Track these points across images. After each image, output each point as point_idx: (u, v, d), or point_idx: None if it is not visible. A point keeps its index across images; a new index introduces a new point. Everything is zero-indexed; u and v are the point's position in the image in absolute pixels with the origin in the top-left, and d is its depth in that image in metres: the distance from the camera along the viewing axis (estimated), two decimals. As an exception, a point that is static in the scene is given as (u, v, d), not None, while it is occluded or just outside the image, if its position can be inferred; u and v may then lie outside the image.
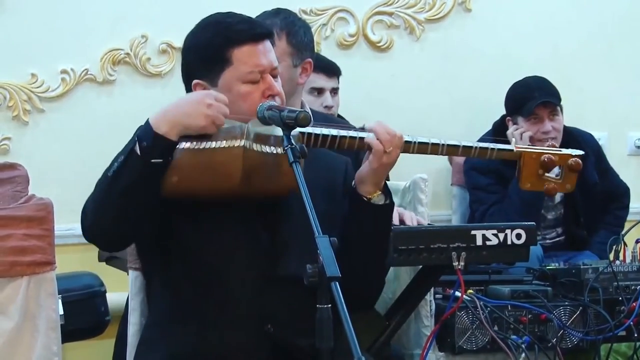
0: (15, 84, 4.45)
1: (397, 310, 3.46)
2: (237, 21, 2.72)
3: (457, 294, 3.31)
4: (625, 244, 3.66)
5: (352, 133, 2.71)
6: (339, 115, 4.33)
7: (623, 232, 3.83)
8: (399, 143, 2.70)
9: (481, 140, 4.70)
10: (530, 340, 3.44)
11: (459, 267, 3.26)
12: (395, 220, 3.46)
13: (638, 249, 3.67)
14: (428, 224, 3.54)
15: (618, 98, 5.16)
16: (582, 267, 3.59)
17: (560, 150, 2.84)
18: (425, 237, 3.28)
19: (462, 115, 4.95)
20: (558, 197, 4.64)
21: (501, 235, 3.32)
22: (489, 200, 4.51)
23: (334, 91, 4.45)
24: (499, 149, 2.81)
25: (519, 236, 3.34)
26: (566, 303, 3.55)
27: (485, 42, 5.00)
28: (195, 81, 2.71)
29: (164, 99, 4.43)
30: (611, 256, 3.70)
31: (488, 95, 4.87)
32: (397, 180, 3.65)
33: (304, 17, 4.55)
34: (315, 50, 3.76)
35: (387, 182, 2.82)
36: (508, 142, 4.49)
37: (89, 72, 4.51)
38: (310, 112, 2.73)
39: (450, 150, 2.82)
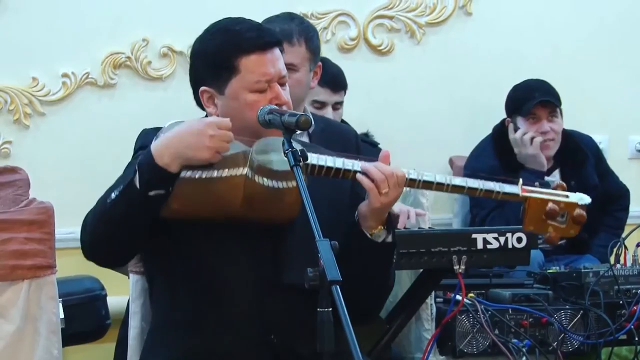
0: (16, 87, 4.44)
1: (398, 313, 3.46)
2: (246, 28, 2.67)
3: (458, 297, 3.31)
4: (626, 248, 3.66)
5: (348, 165, 2.60)
6: (342, 120, 4.28)
7: (624, 236, 3.83)
8: (397, 182, 2.59)
9: (480, 145, 4.76)
10: (531, 344, 3.44)
11: (460, 270, 3.27)
12: (401, 224, 3.47)
13: (639, 252, 3.67)
14: (429, 228, 3.54)
15: (619, 101, 5.15)
16: (582, 270, 3.59)
17: (567, 197, 2.80)
18: (426, 241, 3.29)
19: (463, 118, 4.95)
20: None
21: (502, 239, 3.32)
22: (489, 206, 4.50)
23: (338, 104, 4.27)
24: (504, 192, 2.76)
25: (519, 240, 3.35)
26: (567, 307, 3.55)
27: (485, 46, 4.99)
28: (202, 88, 2.69)
29: (165, 103, 4.51)
30: (612, 259, 3.69)
31: (489, 98, 4.86)
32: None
33: (305, 21, 4.54)
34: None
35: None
36: (510, 151, 4.56)
37: (89, 76, 4.50)
38: (311, 116, 2.71)
39: (455, 189, 2.72)
